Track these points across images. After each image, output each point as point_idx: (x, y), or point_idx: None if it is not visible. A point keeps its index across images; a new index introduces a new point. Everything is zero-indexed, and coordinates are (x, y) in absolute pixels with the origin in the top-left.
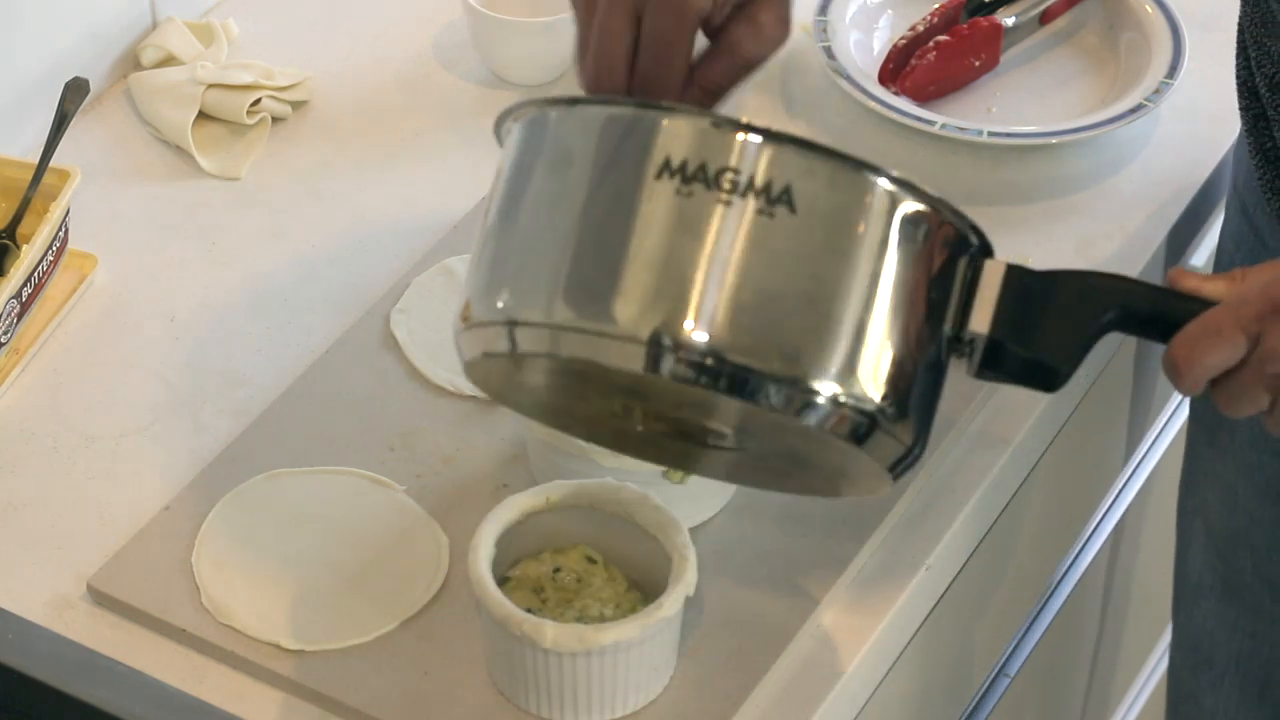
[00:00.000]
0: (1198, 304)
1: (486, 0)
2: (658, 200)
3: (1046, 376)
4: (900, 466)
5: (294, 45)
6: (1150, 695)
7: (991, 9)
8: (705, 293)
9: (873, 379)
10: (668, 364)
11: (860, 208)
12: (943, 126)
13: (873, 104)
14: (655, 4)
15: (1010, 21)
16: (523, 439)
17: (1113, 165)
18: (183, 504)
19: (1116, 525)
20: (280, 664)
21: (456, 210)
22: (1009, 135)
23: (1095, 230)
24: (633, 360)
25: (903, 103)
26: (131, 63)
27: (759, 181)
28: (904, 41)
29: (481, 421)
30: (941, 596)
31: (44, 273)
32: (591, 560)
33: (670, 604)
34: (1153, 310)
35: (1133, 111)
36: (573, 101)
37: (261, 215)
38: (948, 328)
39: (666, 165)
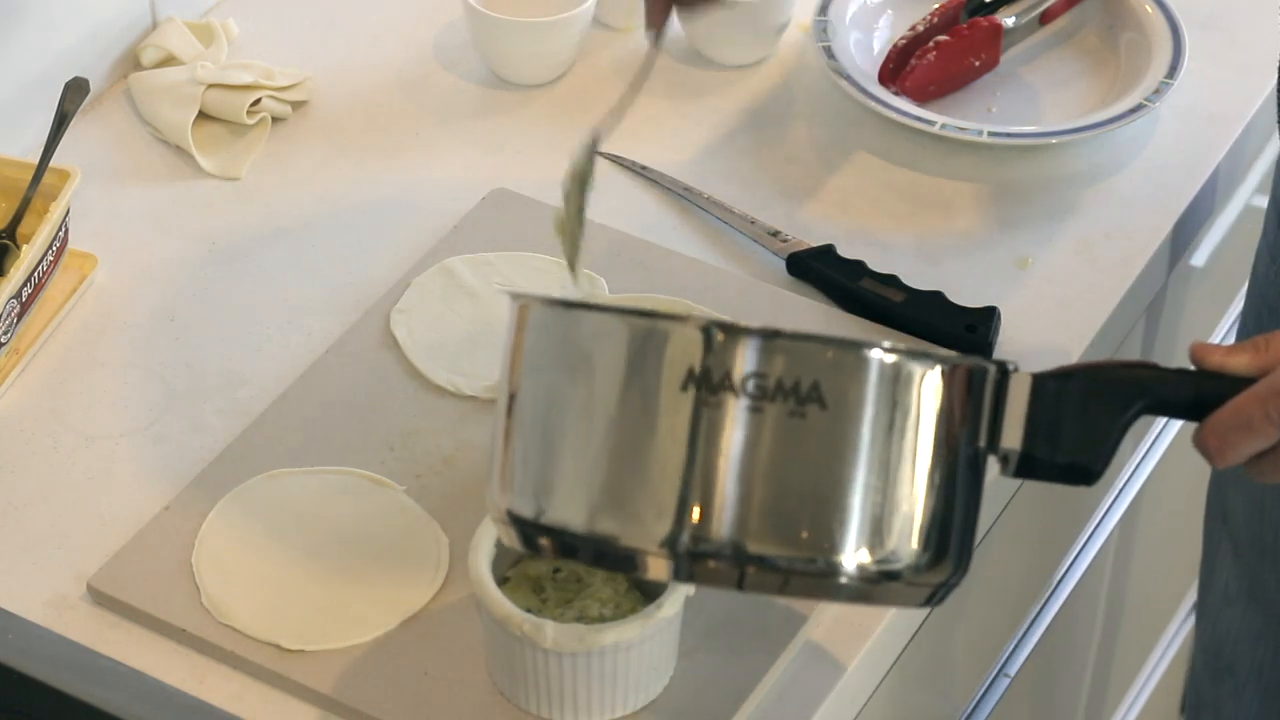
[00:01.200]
0: (1225, 383)
1: (486, 0)
2: (681, 411)
3: (1083, 475)
4: (938, 596)
5: (294, 45)
6: (1150, 695)
7: (991, 9)
8: (733, 502)
9: (910, 540)
10: (703, 577)
11: (873, 388)
12: (943, 126)
13: (873, 104)
14: None
15: (1010, 21)
16: None
17: (1113, 165)
18: (183, 504)
19: (1116, 526)
20: (280, 664)
21: (456, 210)
22: (1009, 135)
23: (1095, 230)
24: (666, 572)
25: (903, 103)
26: (131, 63)
27: (789, 384)
28: (904, 41)
29: (481, 421)
30: None
31: (44, 273)
32: None
33: (670, 604)
34: (1180, 398)
35: (1133, 111)
36: (591, 307)
37: (261, 215)
38: (981, 451)
39: (690, 376)
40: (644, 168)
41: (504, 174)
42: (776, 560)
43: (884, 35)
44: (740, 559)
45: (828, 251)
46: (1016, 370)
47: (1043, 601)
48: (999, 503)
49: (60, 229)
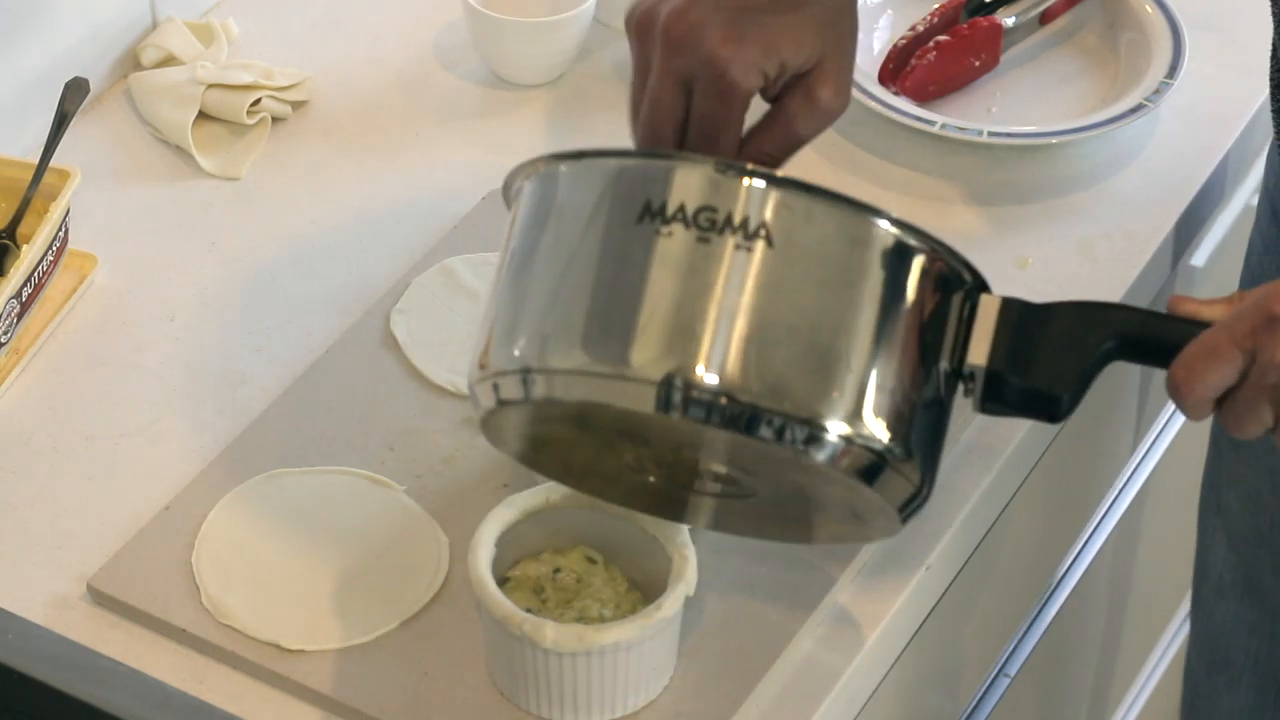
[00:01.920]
0: (1197, 326)
1: (486, 0)
2: (647, 245)
3: (1049, 406)
4: (909, 508)
5: (294, 45)
6: (1151, 695)
7: (991, 9)
8: (710, 333)
9: (877, 417)
10: (678, 405)
11: (854, 246)
12: (943, 126)
13: (873, 104)
14: (704, 83)
15: (1010, 21)
16: None
17: (1113, 165)
18: (183, 504)
19: (1117, 525)
20: (280, 664)
21: (456, 210)
22: (1009, 135)
23: (1095, 230)
24: (646, 402)
25: (903, 103)
26: (131, 63)
27: (738, 219)
28: (904, 41)
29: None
30: (941, 596)
31: (44, 273)
32: (591, 560)
33: (670, 604)
34: (1151, 336)
35: (1133, 111)
36: (563, 156)
37: (261, 215)
38: (946, 363)
39: (648, 209)
40: None
41: (504, 174)
42: (746, 396)
43: (884, 35)
44: (718, 393)
45: None
46: (987, 290)
47: (1043, 601)
48: (999, 503)
49: (60, 229)
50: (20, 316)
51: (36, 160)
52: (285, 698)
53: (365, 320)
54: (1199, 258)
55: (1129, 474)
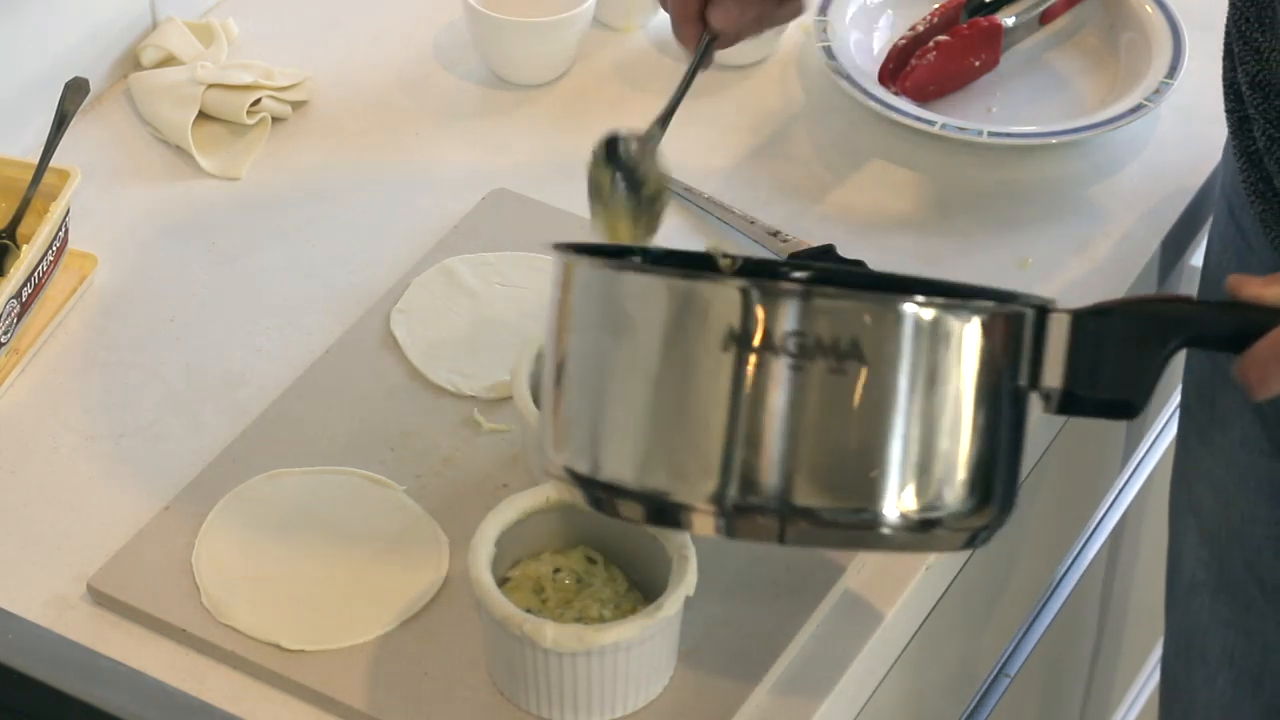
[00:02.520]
0: (1263, 314)
1: (486, 0)
2: (722, 371)
3: (1124, 410)
4: (981, 537)
5: (294, 45)
6: (1150, 695)
7: (991, 9)
8: (776, 458)
9: (954, 487)
10: (747, 532)
11: (912, 342)
12: (943, 126)
13: (873, 104)
14: None
15: (1010, 21)
16: (522, 439)
17: (1113, 165)
18: (183, 504)
19: (1116, 525)
20: (280, 664)
21: (456, 210)
22: (1009, 135)
23: (1095, 230)
24: (714, 529)
25: (903, 103)
26: (131, 63)
27: (826, 341)
28: (904, 41)
29: (482, 422)
30: (941, 596)
31: (44, 273)
32: (591, 560)
33: (670, 604)
34: (1218, 330)
35: (1133, 111)
36: (632, 266)
37: (261, 215)
38: (1023, 390)
39: (730, 336)
40: None
41: (504, 174)
42: (820, 514)
43: (884, 35)
44: (784, 513)
45: (828, 251)
46: (1055, 309)
47: (1043, 601)
48: None
49: (60, 229)
50: (20, 316)
51: (36, 160)
52: (285, 698)
53: (365, 320)
54: (1199, 258)
55: (1129, 474)
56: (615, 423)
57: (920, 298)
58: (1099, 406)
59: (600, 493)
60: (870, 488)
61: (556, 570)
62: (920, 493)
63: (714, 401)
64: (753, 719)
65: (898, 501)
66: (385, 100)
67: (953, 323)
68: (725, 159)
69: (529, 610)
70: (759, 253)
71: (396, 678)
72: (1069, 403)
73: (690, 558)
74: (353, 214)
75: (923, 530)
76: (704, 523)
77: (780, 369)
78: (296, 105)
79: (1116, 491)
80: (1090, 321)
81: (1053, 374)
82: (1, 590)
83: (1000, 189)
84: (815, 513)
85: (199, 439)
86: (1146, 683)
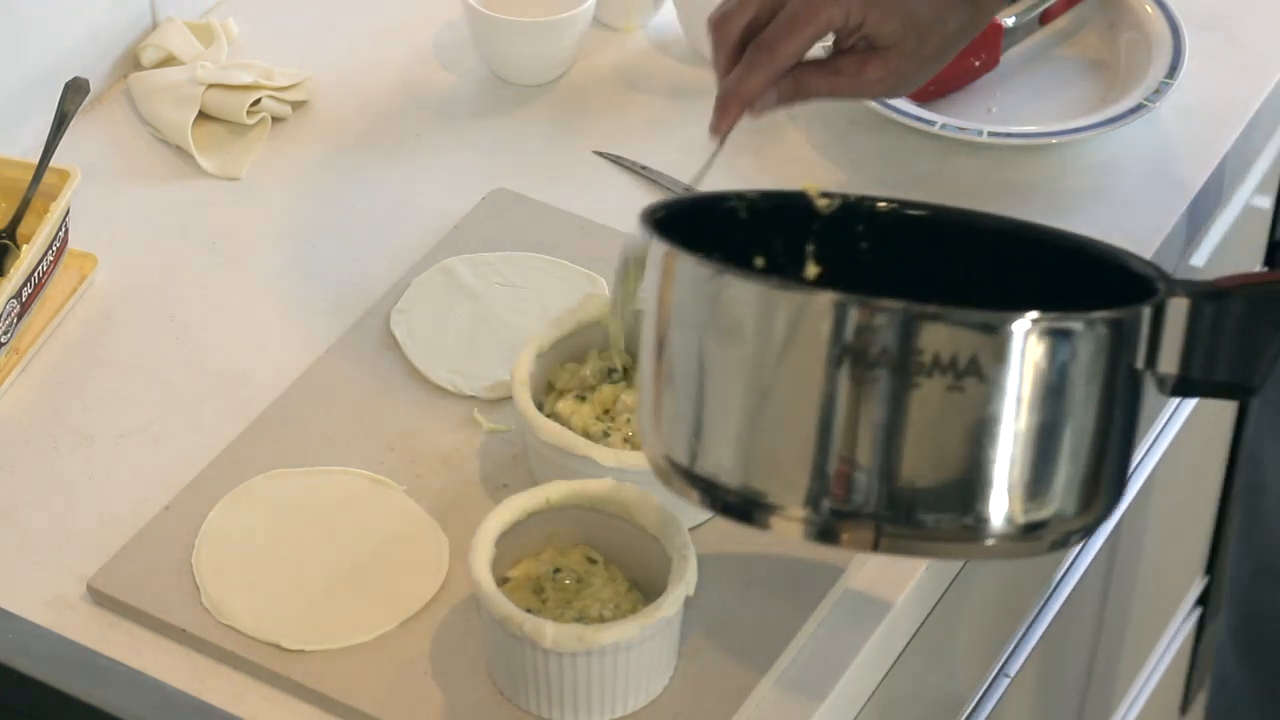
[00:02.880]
0: None
1: (486, 0)
2: (832, 384)
3: (1240, 392)
4: (1079, 535)
5: (294, 45)
6: (1150, 695)
7: None
8: (881, 470)
9: (1063, 493)
10: (842, 540)
11: (1030, 357)
12: (943, 126)
13: (873, 104)
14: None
15: (1010, 21)
16: (523, 439)
17: (1113, 165)
18: (183, 504)
19: (1116, 525)
20: (280, 664)
21: (456, 210)
22: (1009, 135)
23: (1095, 230)
24: (804, 533)
25: (903, 103)
26: (131, 63)
27: (944, 359)
28: None
29: (482, 422)
30: (941, 596)
31: (44, 273)
32: (591, 560)
33: (670, 604)
34: None
35: (1133, 111)
36: (738, 274)
37: (261, 215)
38: (1138, 372)
39: (843, 350)
40: (644, 168)
41: (504, 174)
42: (924, 524)
43: None
44: (883, 521)
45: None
46: (1173, 295)
47: (1043, 601)
48: None
49: (60, 229)
50: (20, 316)
51: (36, 160)
52: (285, 698)
53: (365, 320)
54: (1199, 258)
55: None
56: (717, 421)
57: (1037, 315)
58: (1215, 389)
59: (697, 486)
60: (977, 503)
61: (556, 570)
62: (1028, 501)
63: (823, 412)
64: (753, 719)
65: (1004, 511)
66: (385, 100)
67: (1073, 336)
68: (725, 159)
69: (529, 610)
70: None
71: (396, 678)
72: (1184, 386)
73: (690, 558)
74: (353, 214)
75: (1025, 536)
76: (795, 528)
77: (895, 385)
78: (296, 105)
79: None
80: (1208, 305)
81: (1169, 360)
82: (1, 590)
83: (1000, 189)
84: (918, 522)
85: (199, 439)
86: (1147, 683)
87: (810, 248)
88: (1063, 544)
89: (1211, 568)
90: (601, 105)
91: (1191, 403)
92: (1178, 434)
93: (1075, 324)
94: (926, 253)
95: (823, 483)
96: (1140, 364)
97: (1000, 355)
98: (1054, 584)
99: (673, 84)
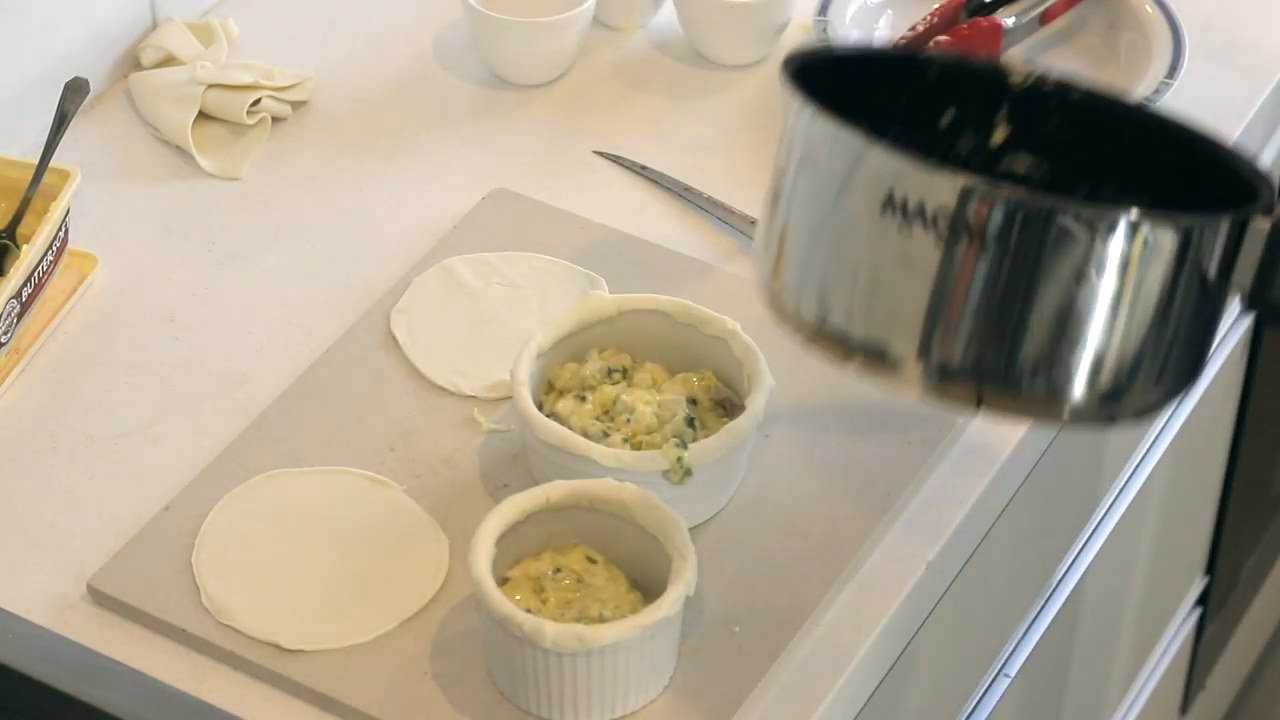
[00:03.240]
0: None
1: (486, 0)
2: (953, 257)
3: None
4: (1152, 410)
5: (294, 45)
6: (1150, 695)
7: (991, 9)
8: (978, 329)
9: (1137, 372)
10: (948, 394)
11: (1125, 246)
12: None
13: None
14: None
15: (1010, 21)
16: (523, 439)
17: None
18: (183, 504)
19: (1117, 525)
20: (280, 664)
21: (456, 210)
22: None
23: None
24: (920, 385)
25: None
26: (131, 63)
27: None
28: (904, 41)
29: (481, 422)
30: (941, 596)
31: (44, 273)
32: (591, 560)
33: (670, 604)
34: None
35: None
36: (883, 153)
37: (261, 215)
38: (1215, 283)
39: (964, 226)
40: (644, 168)
41: (504, 174)
42: (1019, 386)
43: (884, 35)
44: (983, 381)
45: None
46: (1257, 216)
47: (1043, 601)
48: (999, 503)
49: (60, 229)
50: (20, 316)
51: (36, 160)
52: (285, 698)
53: (365, 320)
54: None
55: (1129, 474)
56: (844, 279)
57: (1135, 213)
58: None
59: (826, 339)
60: (1067, 366)
61: (556, 570)
62: (1104, 378)
63: (947, 281)
64: (753, 719)
65: (1086, 383)
66: (385, 100)
67: (1161, 233)
68: (725, 159)
69: (529, 610)
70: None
71: (396, 678)
72: (1255, 303)
73: (690, 557)
74: (353, 214)
75: (1102, 408)
76: (913, 379)
77: (1011, 264)
78: (296, 105)
79: (1117, 491)
80: None
81: (1244, 275)
82: (1, 590)
83: None
84: (1015, 386)
85: (199, 439)
86: (1147, 683)
87: (1002, 111)
88: (1146, 413)
89: (1211, 568)
90: (601, 105)
91: (1191, 403)
92: (1178, 434)
93: (1167, 221)
94: (1090, 138)
95: (946, 343)
96: (1213, 274)
97: (1104, 243)
98: (1054, 584)
99: (673, 84)
